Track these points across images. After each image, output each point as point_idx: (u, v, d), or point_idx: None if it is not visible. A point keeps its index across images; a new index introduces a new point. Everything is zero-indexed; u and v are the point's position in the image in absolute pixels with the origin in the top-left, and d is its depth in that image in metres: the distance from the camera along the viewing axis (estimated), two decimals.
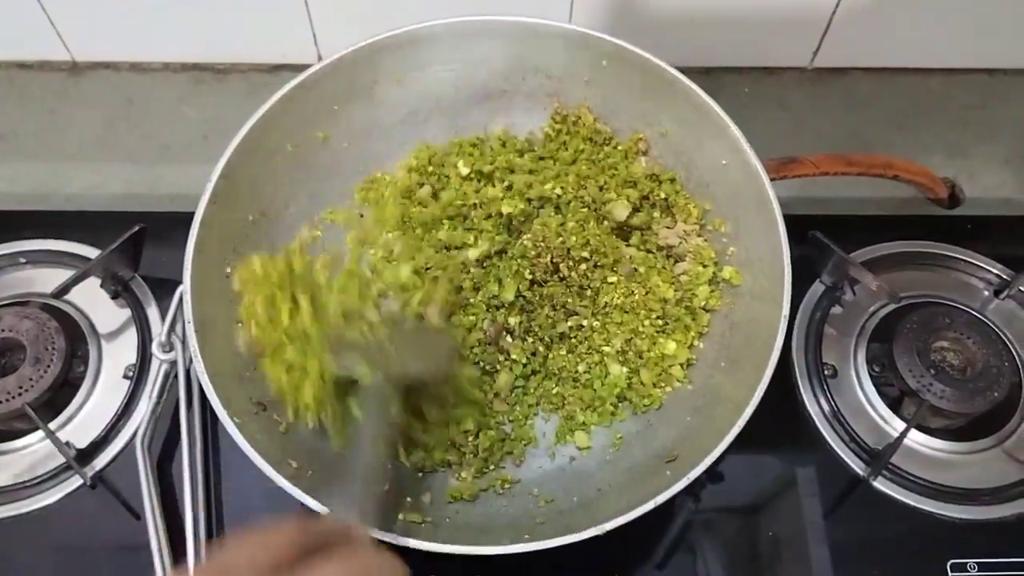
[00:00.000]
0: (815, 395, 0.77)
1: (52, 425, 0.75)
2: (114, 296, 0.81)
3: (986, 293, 0.82)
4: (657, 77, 0.77)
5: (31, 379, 0.74)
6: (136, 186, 0.96)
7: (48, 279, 0.81)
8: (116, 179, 0.97)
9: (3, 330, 0.76)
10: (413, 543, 0.57)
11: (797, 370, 0.78)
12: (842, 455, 0.75)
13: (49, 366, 0.75)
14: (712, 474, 0.75)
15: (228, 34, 1.00)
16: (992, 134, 1.01)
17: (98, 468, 0.74)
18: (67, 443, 0.73)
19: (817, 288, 0.82)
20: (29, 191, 0.95)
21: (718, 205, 0.78)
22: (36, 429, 0.75)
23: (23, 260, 0.84)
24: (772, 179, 0.85)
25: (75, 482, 0.73)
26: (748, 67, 1.04)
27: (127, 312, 0.82)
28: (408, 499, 0.68)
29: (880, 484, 0.73)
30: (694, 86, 0.75)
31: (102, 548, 0.72)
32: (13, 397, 0.73)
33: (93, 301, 0.82)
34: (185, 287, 0.66)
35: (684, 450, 0.66)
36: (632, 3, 0.93)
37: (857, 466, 0.74)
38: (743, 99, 1.02)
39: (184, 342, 0.72)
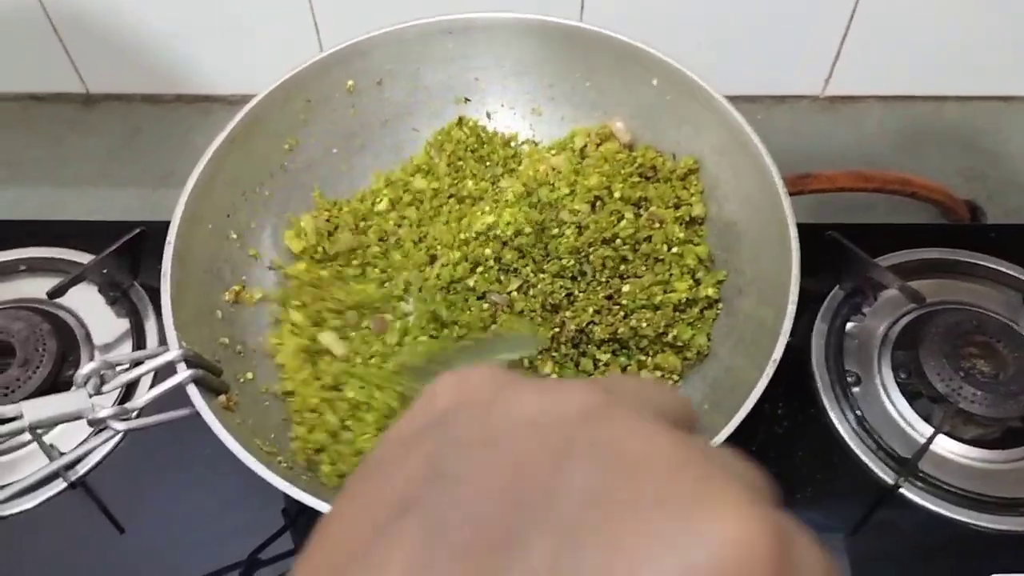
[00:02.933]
0: (839, 404, 0.73)
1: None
2: (112, 302, 0.79)
3: (1015, 301, 0.79)
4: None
5: (19, 380, 0.72)
6: (136, 211, 0.94)
7: (48, 286, 0.78)
8: (116, 204, 0.96)
9: None
10: None
11: (819, 379, 0.74)
12: (871, 464, 0.70)
13: (38, 368, 0.73)
14: None
15: (240, 67, 1.01)
16: (1010, 159, 0.99)
17: (81, 472, 0.70)
18: (51, 445, 0.70)
19: (837, 295, 0.79)
20: (29, 216, 0.94)
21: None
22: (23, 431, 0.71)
23: (23, 268, 0.82)
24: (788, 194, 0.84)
25: (58, 485, 0.70)
26: (761, 95, 1.04)
27: (125, 322, 0.79)
28: None
29: (914, 494, 0.68)
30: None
31: (83, 553, 0.68)
32: None
33: (91, 309, 0.80)
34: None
35: None
36: (642, 32, 0.93)
37: (887, 476, 0.69)
38: (756, 125, 1.01)
39: None
